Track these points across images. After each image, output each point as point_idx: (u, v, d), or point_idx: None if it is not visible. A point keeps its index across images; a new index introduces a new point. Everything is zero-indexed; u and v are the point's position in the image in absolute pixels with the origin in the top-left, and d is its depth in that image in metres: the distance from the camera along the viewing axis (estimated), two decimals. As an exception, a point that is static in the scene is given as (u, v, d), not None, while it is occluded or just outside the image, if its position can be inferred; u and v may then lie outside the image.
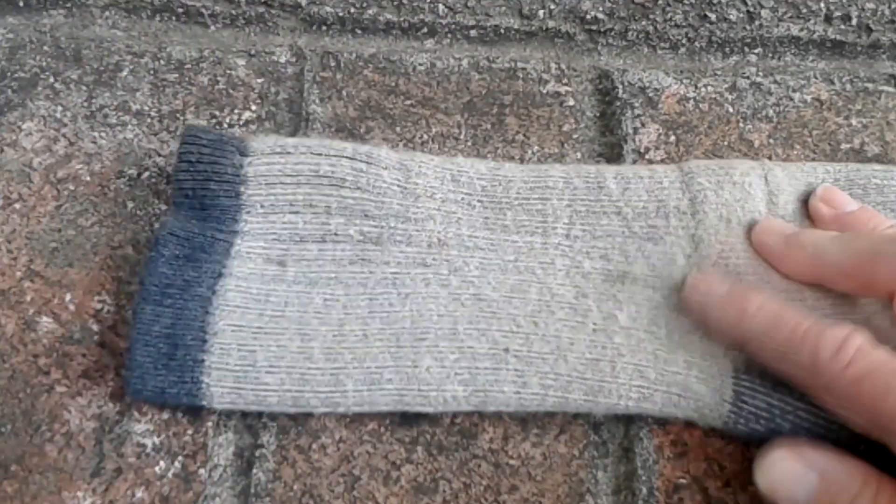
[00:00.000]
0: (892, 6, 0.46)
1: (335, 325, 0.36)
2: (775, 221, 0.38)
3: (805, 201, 0.39)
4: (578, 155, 0.43)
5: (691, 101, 0.44)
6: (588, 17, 0.46)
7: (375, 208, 0.38)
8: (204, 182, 0.37)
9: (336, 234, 0.38)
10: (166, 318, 0.35)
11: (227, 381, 0.35)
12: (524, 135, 0.43)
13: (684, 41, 0.47)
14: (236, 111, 0.43)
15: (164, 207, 0.40)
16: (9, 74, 0.44)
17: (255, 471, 0.35)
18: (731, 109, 0.44)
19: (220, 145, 0.38)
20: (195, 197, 0.37)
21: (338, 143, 0.39)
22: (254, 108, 0.43)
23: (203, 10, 0.47)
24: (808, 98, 0.45)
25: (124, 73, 0.45)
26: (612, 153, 0.43)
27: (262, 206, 0.38)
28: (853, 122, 0.44)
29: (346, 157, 0.38)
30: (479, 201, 0.39)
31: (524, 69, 0.45)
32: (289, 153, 0.38)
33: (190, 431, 0.36)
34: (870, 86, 0.45)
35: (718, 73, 0.46)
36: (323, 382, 0.35)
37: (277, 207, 0.38)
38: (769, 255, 0.37)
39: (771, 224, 0.38)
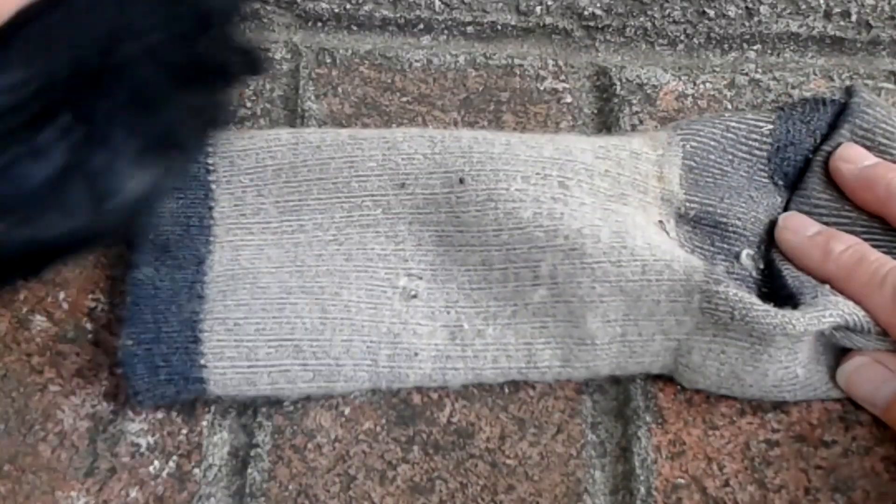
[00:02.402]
0: (892, 2, 0.46)
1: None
2: (857, 149, 0.38)
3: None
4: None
5: (690, 98, 0.44)
6: (585, 13, 0.46)
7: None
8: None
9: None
10: (154, 327, 0.35)
11: (225, 366, 0.35)
12: (521, 132, 0.43)
13: (682, 37, 0.47)
14: (231, 108, 0.43)
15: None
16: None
17: (250, 470, 0.35)
18: (729, 106, 0.44)
19: None
20: None
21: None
22: (249, 104, 0.43)
23: (198, 7, 0.47)
24: (808, 94, 0.44)
25: (118, 69, 0.44)
26: (610, 150, 0.43)
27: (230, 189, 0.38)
28: (852, 118, 0.44)
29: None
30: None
31: (521, 66, 0.45)
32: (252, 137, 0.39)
33: (184, 431, 0.36)
34: (869, 82, 0.45)
35: (717, 69, 0.46)
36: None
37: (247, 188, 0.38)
38: (842, 182, 0.38)
39: (851, 151, 0.38)
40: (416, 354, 0.36)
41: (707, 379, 0.36)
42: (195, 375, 0.34)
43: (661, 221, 0.37)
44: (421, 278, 0.37)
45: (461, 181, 0.37)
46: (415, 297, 0.36)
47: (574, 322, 0.36)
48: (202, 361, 0.34)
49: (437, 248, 0.37)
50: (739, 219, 0.38)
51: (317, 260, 0.37)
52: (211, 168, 0.38)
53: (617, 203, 0.37)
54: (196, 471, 0.35)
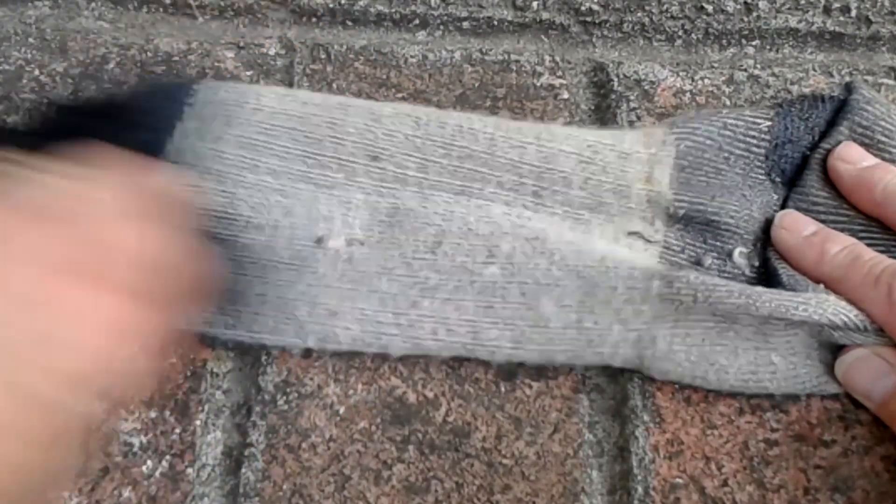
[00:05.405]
0: (892, -3, 0.46)
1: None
2: (856, 148, 0.38)
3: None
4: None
5: (688, 94, 0.44)
6: (583, 8, 0.46)
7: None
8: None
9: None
10: None
11: None
12: (518, 128, 0.42)
13: (681, 33, 0.47)
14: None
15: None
16: (-7, 67, 0.44)
17: (243, 470, 0.35)
18: (728, 102, 0.44)
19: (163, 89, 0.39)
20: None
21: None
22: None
23: (191, 2, 0.47)
24: (807, 91, 0.44)
25: (111, 65, 0.44)
26: (608, 147, 0.42)
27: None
28: (852, 115, 0.44)
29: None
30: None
31: (518, 61, 0.45)
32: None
33: (178, 430, 0.35)
34: (869, 78, 0.45)
35: (715, 65, 0.45)
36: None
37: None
38: (839, 182, 0.38)
39: (849, 151, 0.38)
40: (335, 314, 0.36)
41: (678, 366, 0.36)
42: None
43: (634, 232, 0.37)
44: (363, 244, 0.36)
45: (375, 158, 0.37)
46: (346, 260, 0.36)
47: (527, 304, 0.36)
48: None
49: (389, 219, 0.37)
50: (732, 216, 0.37)
51: (251, 210, 0.36)
52: (192, 92, 0.38)
53: (593, 212, 0.37)
54: (189, 470, 0.35)
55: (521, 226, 0.36)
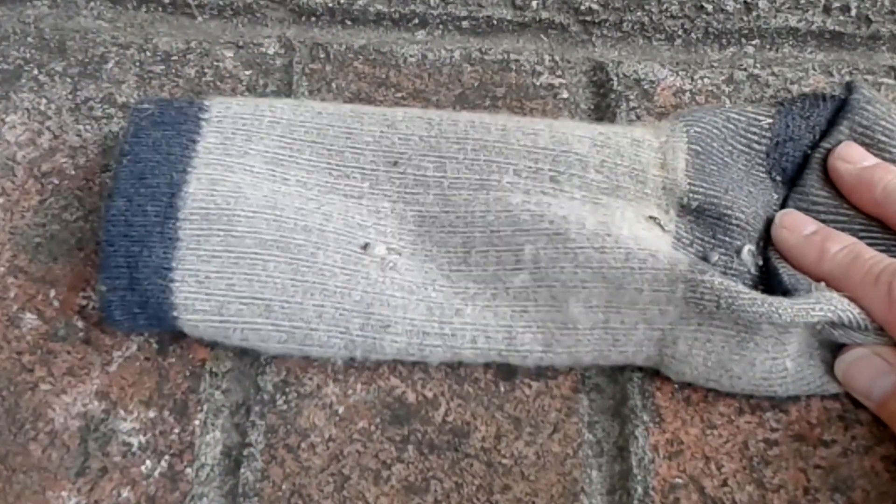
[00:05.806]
0: (892, -3, 0.46)
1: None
2: (856, 148, 0.38)
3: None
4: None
5: (687, 94, 0.44)
6: (582, 7, 0.46)
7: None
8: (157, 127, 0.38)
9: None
10: (127, 273, 0.35)
11: (196, 319, 0.35)
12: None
13: (680, 32, 0.47)
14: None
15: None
16: (-8, 66, 0.44)
17: (242, 470, 0.35)
18: (728, 102, 0.44)
19: (174, 105, 0.39)
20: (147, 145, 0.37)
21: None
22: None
23: (190, 1, 0.47)
24: (807, 90, 0.44)
25: (110, 64, 0.44)
26: (607, 146, 0.42)
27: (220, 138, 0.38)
28: (851, 114, 0.43)
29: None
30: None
31: (517, 61, 0.45)
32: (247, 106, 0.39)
33: (177, 430, 0.35)
34: (869, 78, 0.45)
35: (715, 64, 0.45)
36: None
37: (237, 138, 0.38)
38: (839, 181, 0.38)
39: (850, 151, 0.38)
40: (387, 326, 0.35)
41: (694, 370, 0.35)
42: (170, 324, 0.35)
43: (652, 217, 0.37)
44: (400, 254, 0.37)
45: (395, 164, 0.38)
46: (392, 268, 0.36)
47: (556, 306, 0.36)
48: (174, 313, 0.35)
49: (418, 228, 0.37)
50: (743, 212, 0.37)
51: (295, 213, 0.36)
52: (205, 108, 0.38)
53: (610, 196, 0.37)
54: (188, 470, 0.35)
55: (540, 216, 0.36)
